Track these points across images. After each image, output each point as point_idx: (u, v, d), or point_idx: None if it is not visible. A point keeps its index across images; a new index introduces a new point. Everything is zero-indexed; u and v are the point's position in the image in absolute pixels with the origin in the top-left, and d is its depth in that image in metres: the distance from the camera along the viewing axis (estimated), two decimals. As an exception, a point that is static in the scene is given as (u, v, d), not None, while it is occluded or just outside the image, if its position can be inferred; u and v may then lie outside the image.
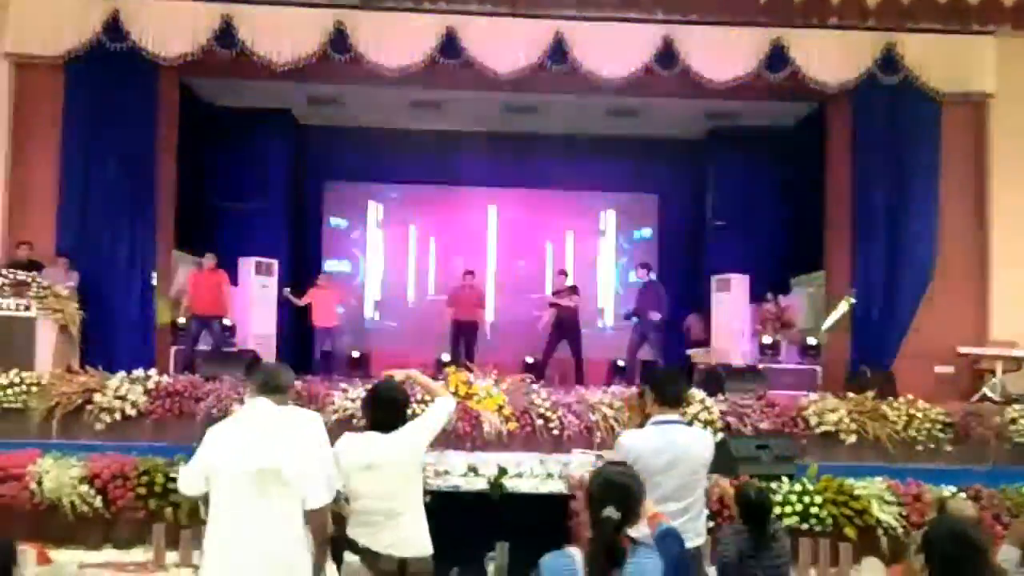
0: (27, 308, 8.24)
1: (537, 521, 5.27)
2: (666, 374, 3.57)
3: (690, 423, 7.00)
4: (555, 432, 7.31)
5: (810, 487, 6.01)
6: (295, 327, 11.76)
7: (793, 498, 5.92)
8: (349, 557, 3.20)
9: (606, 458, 3.38)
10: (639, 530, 2.36)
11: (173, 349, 9.76)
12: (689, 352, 11.17)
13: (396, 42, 9.18)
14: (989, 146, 9.65)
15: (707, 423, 7.34)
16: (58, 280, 8.59)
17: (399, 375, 3.51)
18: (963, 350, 9.17)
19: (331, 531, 3.07)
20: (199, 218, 11.31)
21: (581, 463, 3.53)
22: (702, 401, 7.61)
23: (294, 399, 3.44)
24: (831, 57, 9.35)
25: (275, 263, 10.92)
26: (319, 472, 2.96)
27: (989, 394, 8.80)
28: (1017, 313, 9.27)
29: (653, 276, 10.73)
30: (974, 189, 9.68)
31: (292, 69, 9.21)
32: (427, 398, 6.88)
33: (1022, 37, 9.53)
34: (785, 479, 6.09)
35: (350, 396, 7.42)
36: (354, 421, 7.04)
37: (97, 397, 7.29)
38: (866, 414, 7.69)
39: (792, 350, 10.15)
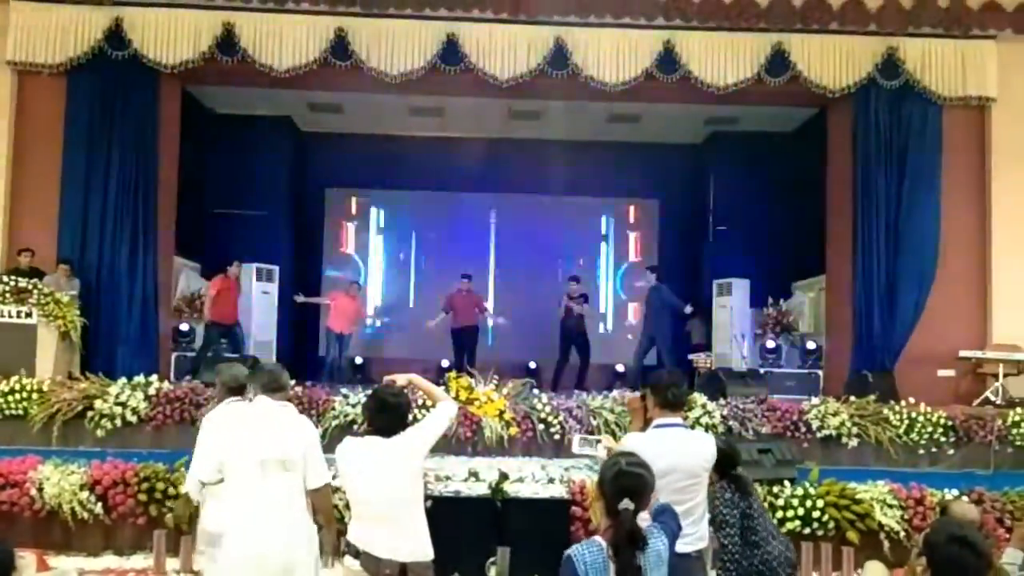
0: (28, 315, 8.25)
1: (538, 526, 5.26)
2: (667, 378, 3.55)
3: (692, 427, 7.01)
4: (556, 437, 7.30)
5: (812, 491, 5.99)
6: (294, 333, 11.78)
7: (795, 502, 5.91)
8: (349, 561, 3.20)
9: (605, 444, 3.36)
10: (640, 514, 2.48)
11: (173, 355, 9.76)
12: (691, 356, 11.16)
13: (397, 49, 9.20)
14: (990, 150, 9.65)
15: (709, 427, 7.33)
16: (59, 287, 8.60)
17: (401, 380, 3.50)
18: (965, 354, 9.15)
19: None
20: (200, 225, 11.33)
21: (581, 448, 3.49)
22: (703, 405, 7.60)
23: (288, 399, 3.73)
24: (832, 61, 9.36)
25: (276, 269, 10.95)
26: (318, 458, 3.42)
27: (991, 398, 8.79)
28: (1019, 316, 9.26)
29: (656, 280, 10.62)
30: (975, 193, 9.68)
31: (293, 76, 9.24)
32: (429, 403, 6.89)
33: (1023, 41, 9.55)
34: (787, 483, 6.08)
35: (351, 402, 7.42)
36: (355, 427, 7.03)
37: (98, 404, 7.28)
38: (868, 418, 7.67)
39: (794, 354, 10.14)
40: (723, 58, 9.30)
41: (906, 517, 5.88)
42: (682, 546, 3.18)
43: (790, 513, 5.87)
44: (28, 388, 7.47)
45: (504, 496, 5.63)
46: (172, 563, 5.56)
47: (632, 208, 13.24)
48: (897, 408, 7.79)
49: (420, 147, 12.31)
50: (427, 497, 5.41)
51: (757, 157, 11.84)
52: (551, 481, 5.97)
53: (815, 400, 8.01)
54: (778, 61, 9.30)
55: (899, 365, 9.25)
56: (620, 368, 11.93)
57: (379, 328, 12.99)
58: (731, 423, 7.49)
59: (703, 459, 3.39)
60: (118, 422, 7.22)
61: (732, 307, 10.48)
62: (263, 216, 11.73)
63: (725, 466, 3.67)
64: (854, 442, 7.56)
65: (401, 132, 12.26)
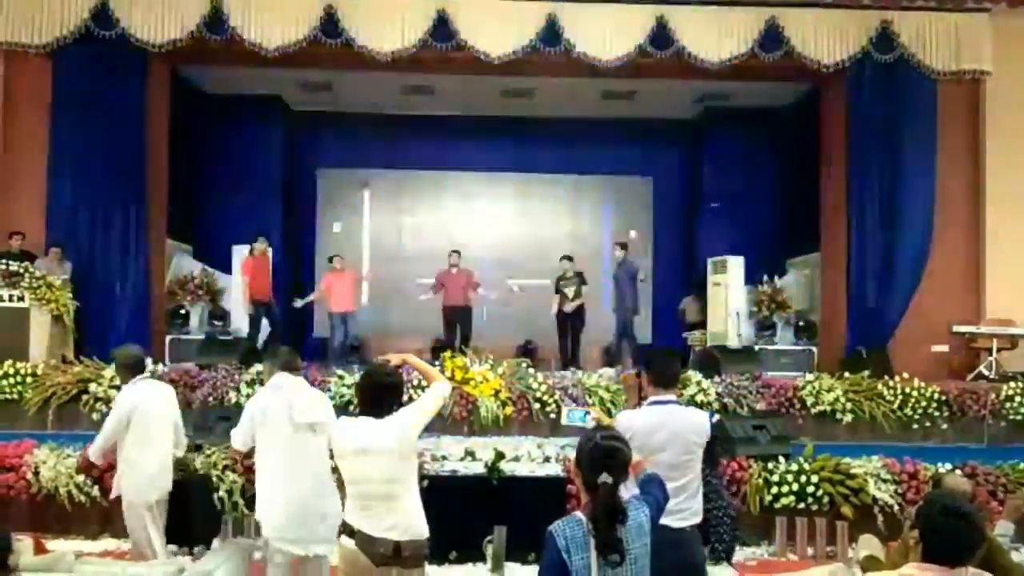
0: (20, 299, 8.21)
1: (535, 504, 5.28)
2: (661, 355, 3.57)
3: (688, 404, 7.04)
4: (552, 416, 7.32)
5: (807, 466, 6.03)
6: (289, 315, 11.75)
7: (790, 477, 5.95)
8: (345, 541, 3.21)
9: (593, 416, 3.37)
10: (625, 485, 2.51)
11: (168, 338, 9.73)
12: (685, 335, 11.18)
13: (387, 26, 9.08)
14: (984, 124, 9.64)
15: (704, 405, 7.36)
16: (51, 270, 8.56)
17: (395, 360, 3.49)
18: (958, 329, 9.20)
19: None
20: (192, 206, 11.26)
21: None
22: (699, 383, 7.63)
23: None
24: (826, 36, 9.29)
25: (269, 251, 10.86)
26: (334, 422, 3.73)
27: (985, 372, 8.84)
28: (1012, 291, 9.30)
29: (628, 256, 10.30)
30: (970, 167, 9.69)
31: (283, 55, 9.12)
32: (424, 383, 6.89)
33: (1017, 14, 9.50)
34: (782, 459, 6.11)
35: (346, 383, 7.42)
36: (351, 408, 7.04)
37: (92, 387, 7.28)
38: (862, 393, 7.72)
39: (788, 331, 10.16)
40: (716, 33, 9.21)
41: (900, 491, 5.93)
42: (677, 521, 3.22)
43: (784, 489, 5.91)
44: (22, 372, 7.47)
45: (500, 475, 5.66)
46: (171, 545, 5.57)
47: (625, 186, 13.18)
48: (891, 383, 7.84)
49: (412, 126, 12.22)
50: (423, 477, 5.45)
51: (751, 133, 11.80)
52: (547, 459, 6.00)
53: (809, 376, 8.04)
54: (772, 36, 9.22)
55: (893, 341, 9.28)
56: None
57: (374, 308, 12.95)
58: (726, 400, 7.53)
59: (696, 435, 3.40)
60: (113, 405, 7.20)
61: (726, 285, 10.47)
62: (256, 197, 11.64)
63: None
64: (848, 418, 7.61)
65: (393, 111, 12.16)
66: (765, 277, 10.36)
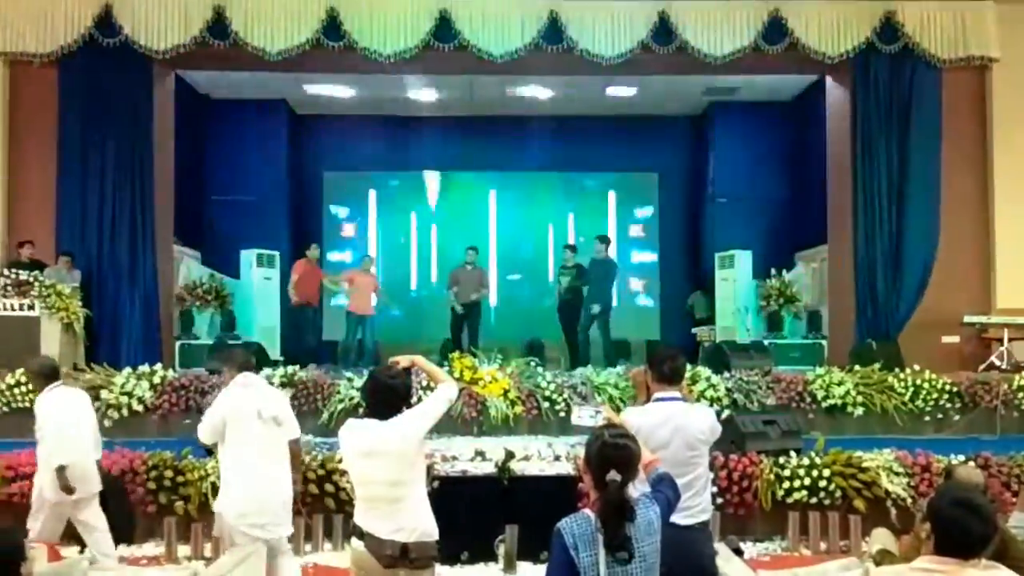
0: (31, 308, 8.24)
1: (545, 503, 5.27)
2: (663, 351, 3.55)
3: (697, 400, 7.02)
4: (561, 415, 7.30)
5: (818, 460, 6.00)
6: (298, 318, 11.78)
7: (801, 472, 5.91)
8: (355, 543, 3.20)
9: (604, 415, 3.36)
10: (634, 484, 2.50)
11: (177, 344, 9.77)
12: (694, 330, 11.16)
13: (389, 28, 9.11)
14: (991, 112, 9.56)
15: (713, 400, 7.34)
16: (61, 279, 8.59)
17: (404, 362, 3.49)
18: (969, 319, 9.13)
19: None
20: (199, 211, 11.30)
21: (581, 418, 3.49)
22: (708, 379, 7.60)
23: None
24: (830, 27, 9.25)
25: (276, 254, 10.91)
26: (293, 416, 4.45)
27: (996, 362, 8.78)
28: (1023, 280, 9.22)
29: (610, 254, 10.11)
30: (977, 156, 9.61)
31: (286, 59, 9.16)
32: (432, 384, 6.90)
33: (1022, 2, 9.42)
34: (793, 454, 6.08)
35: (355, 385, 7.42)
36: (360, 410, 7.04)
37: (104, 394, 7.31)
38: (872, 386, 7.68)
39: (797, 325, 10.12)
40: (719, 27, 9.19)
41: (912, 484, 5.88)
42: (684, 518, 3.20)
43: (796, 483, 5.88)
44: (33, 380, 7.49)
45: (511, 474, 5.65)
46: (183, 550, 5.61)
47: (631, 182, 13.15)
48: (902, 376, 7.79)
49: (416, 127, 12.24)
50: (434, 477, 5.46)
51: (757, 127, 11.77)
52: (557, 458, 5.99)
53: (819, 370, 8.00)
54: (775, 28, 9.19)
55: (903, 333, 9.23)
56: (629, 342, 11.93)
57: (381, 310, 12.96)
58: (736, 396, 7.50)
59: (701, 431, 3.39)
60: (125, 412, 7.25)
61: (734, 279, 10.44)
62: (262, 201, 11.69)
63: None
64: (859, 411, 7.57)
65: (396, 112, 12.17)
66: (773, 271, 10.33)
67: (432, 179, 12.90)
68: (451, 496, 5.13)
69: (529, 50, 9.20)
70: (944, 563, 2.34)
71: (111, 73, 9.21)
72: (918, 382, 7.70)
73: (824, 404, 7.59)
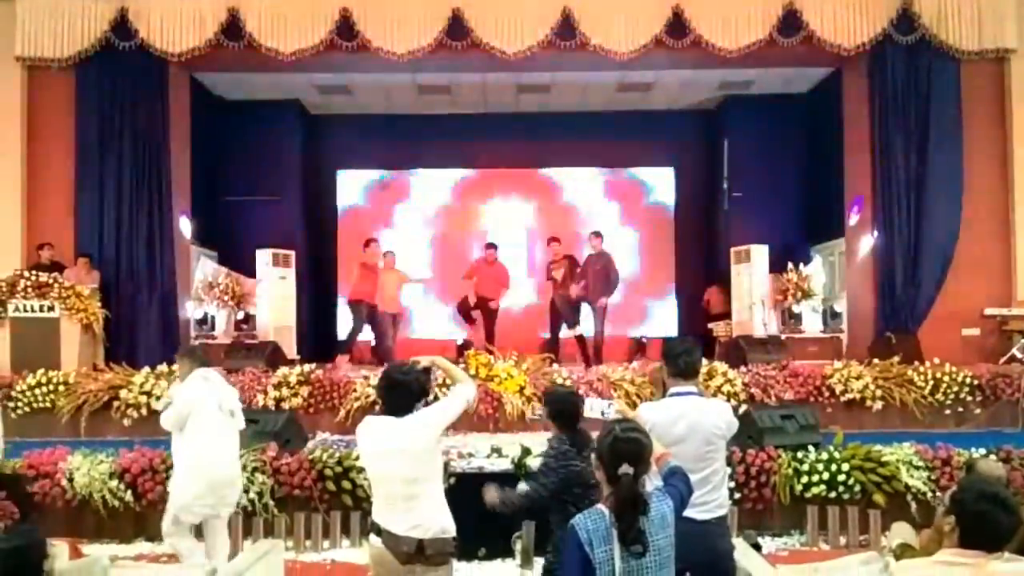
0: (51, 309, 8.34)
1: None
2: (678, 346, 3.52)
3: (714, 395, 6.99)
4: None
5: (837, 455, 5.95)
6: (314, 317, 11.84)
7: (820, 467, 5.87)
8: (373, 539, 3.22)
9: (617, 409, 3.36)
10: (649, 478, 2.53)
11: (195, 343, 9.82)
12: (710, 326, 11.10)
13: (402, 27, 9.13)
14: (1010, 103, 9.45)
15: (730, 395, 7.30)
16: (80, 280, 8.70)
17: (424, 361, 3.49)
18: (989, 312, 9.04)
19: None
20: (216, 212, 11.37)
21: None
22: (724, 374, 7.57)
23: None
24: (846, 18, 9.17)
25: (292, 254, 10.96)
26: (241, 409, 4.88)
27: (1017, 355, 8.68)
28: (1044, 272, 9.12)
29: (604, 247, 9.89)
30: (996, 147, 9.50)
31: (300, 59, 9.20)
32: (450, 383, 6.92)
33: (1042, -10, 9.31)
34: (811, 448, 6.04)
35: (372, 383, 7.45)
36: (376, 408, 7.06)
37: (123, 394, 7.39)
38: (892, 380, 7.61)
39: (815, 319, 10.04)
40: (734, 20, 9.13)
41: (933, 478, 5.82)
42: (701, 513, 3.18)
43: (815, 478, 5.84)
44: (54, 381, 7.59)
45: (527, 471, 5.64)
46: (202, 545, 5.65)
47: (646, 177, 13.10)
48: (921, 369, 7.71)
49: (429, 125, 12.25)
50: (451, 474, 5.47)
51: (773, 120, 11.67)
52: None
53: (838, 364, 7.94)
54: (790, 20, 9.13)
55: (923, 326, 9.16)
56: (643, 339, 11.90)
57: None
58: (753, 390, 7.46)
59: (717, 426, 3.36)
60: (144, 411, 7.32)
61: (751, 274, 10.37)
62: (277, 201, 11.75)
63: (565, 418, 3.68)
64: (878, 405, 7.51)
65: (410, 111, 12.20)
66: (790, 265, 10.26)
67: (446, 177, 12.90)
68: (468, 493, 5.11)
69: (542, 47, 9.19)
70: (969, 556, 2.32)
71: (127, 77, 9.32)
72: (938, 375, 7.63)
73: (843, 398, 7.53)
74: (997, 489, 2.42)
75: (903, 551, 3.51)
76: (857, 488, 5.83)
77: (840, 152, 10.35)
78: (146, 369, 7.68)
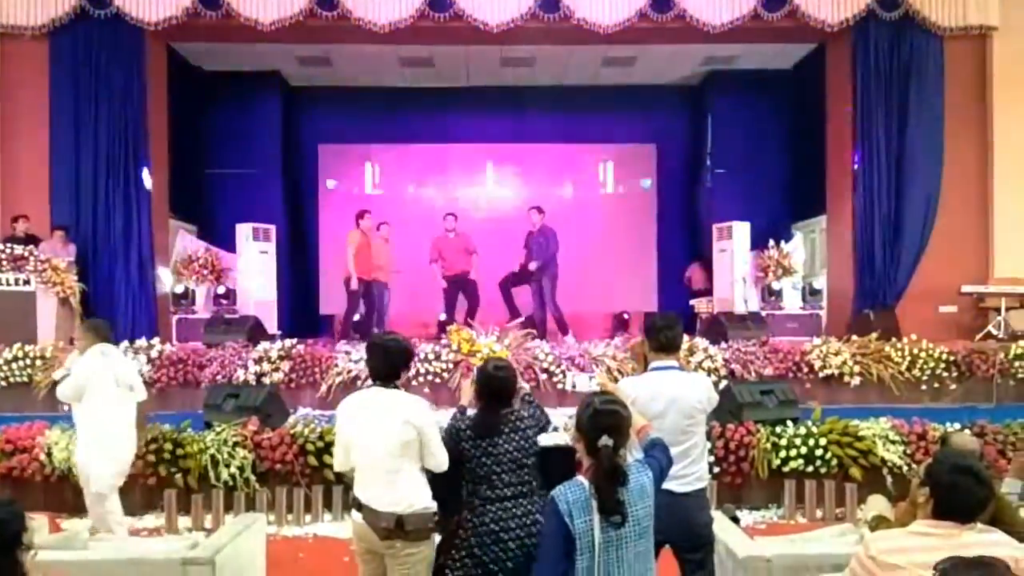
0: (26, 282, 8.22)
1: (543, 474, 5.28)
2: (659, 321, 3.54)
3: (695, 370, 7.04)
4: (560, 386, 7.33)
5: (814, 430, 6.03)
6: (296, 292, 11.77)
7: (798, 441, 5.95)
8: (355, 515, 3.23)
9: (598, 381, 3.37)
10: (630, 451, 2.58)
11: (174, 318, 9.76)
12: (692, 302, 11.16)
13: (384, -3, 8.99)
14: (991, 81, 9.49)
15: (710, 371, 7.36)
16: (56, 253, 8.57)
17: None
18: (967, 289, 9.15)
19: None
20: (194, 185, 11.23)
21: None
22: (705, 349, 7.62)
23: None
24: (829, -6, 9.15)
25: (272, 228, 10.87)
26: (141, 381, 5.11)
27: (993, 332, 8.80)
28: (1021, 250, 9.23)
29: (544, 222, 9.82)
30: (976, 125, 9.56)
31: (279, 29, 9.05)
32: (432, 356, 6.91)
33: (1024, -33, 9.32)
34: (790, 423, 6.11)
35: (353, 358, 7.44)
36: (358, 383, 7.06)
37: (101, 368, 7.30)
38: (870, 356, 7.70)
39: (795, 296, 10.12)
40: (719, -5, 9.08)
41: (908, 452, 5.92)
42: (680, 486, 3.22)
43: (793, 452, 5.91)
44: (31, 355, 7.50)
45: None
46: (184, 521, 5.66)
47: (629, 153, 13.07)
48: (899, 345, 7.81)
49: (411, 99, 12.12)
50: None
51: (756, 96, 11.65)
52: (555, 429, 5.99)
53: (817, 340, 8.02)
54: (775, -4, 9.09)
55: (901, 303, 9.26)
56: (624, 315, 11.95)
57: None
58: (733, 366, 7.52)
59: (698, 400, 3.39)
60: (122, 386, 7.24)
61: (732, 251, 10.42)
62: (257, 174, 11.60)
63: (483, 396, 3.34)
64: (856, 381, 7.60)
65: (391, 84, 12.06)
66: (771, 242, 10.31)
67: (427, 152, 12.79)
68: (451, 467, 5.14)
69: (525, 19, 9.10)
70: (942, 526, 2.36)
71: (102, 46, 9.13)
72: (915, 351, 7.73)
73: (821, 374, 7.62)
74: (971, 461, 2.46)
75: (878, 523, 3.56)
76: (834, 462, 5.92)
77: (823, 129, 10.37)
78: (124, 343, 7.60)
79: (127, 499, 5.85)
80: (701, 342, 7.77)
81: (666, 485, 2.80)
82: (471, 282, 10.04)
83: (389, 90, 12.13)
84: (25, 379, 7.42)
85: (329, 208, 12.71)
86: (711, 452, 5.69)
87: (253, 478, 5.83)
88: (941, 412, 6.73)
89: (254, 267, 10.48)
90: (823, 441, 5.95)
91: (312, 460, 5.86)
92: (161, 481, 5.83)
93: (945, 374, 7.68)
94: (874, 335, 8.01)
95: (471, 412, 3.40)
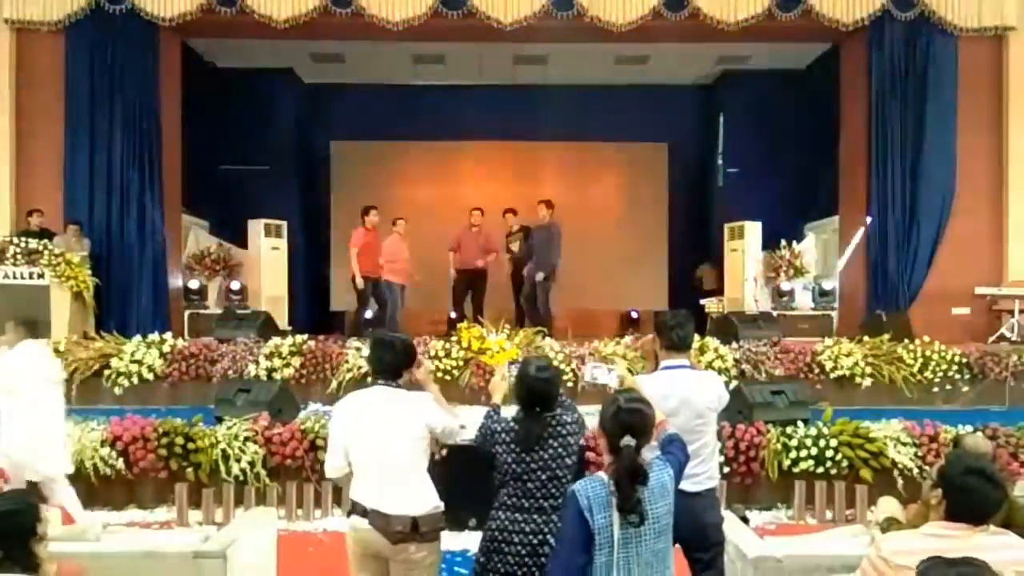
0: (40, 276, 8.28)
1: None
2: (670, 319, 3.53)
3: (706, 370, 7.01)
4: (569, 384, 7.31)
5: (825, 431, 6.00)
6: (307, 288, 11.81)
7: (808, 442, 5.93)
8: (357, 522, 3.10)
9: (618, 374, 3.35)
10: (650, 447, 2.56)
11: (187, 313, 9.81)
12: (702, 302, 11.13)
13: (397, -6, 9.00)
14: (1007, 82, 9.41)
15: (721, 371, 7.33)
16: (70, 247, 8.62)
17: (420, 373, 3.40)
18: (980, 291, 9.09)
19: None
20: (207, 181, 11.27)
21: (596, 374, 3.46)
22: (716, 349, 7.59)
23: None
24: (844, -6, 9.10)
25: (284, 224, 10.90)
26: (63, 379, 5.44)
27: (1007, 334, 8.74)
28: (1035, 252, 9.16)
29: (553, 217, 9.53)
30: (992, 126, 9.48)
31: (294, 26, 9.07)
32: (430, 354, 6.91)
33: (1042, -33, 9.24)
34: (800, 424, 6.09)
35: (364, 355, 7.45)
36: (369, 380, 7.06)
37: (114, 362, 7.37)
38: (882, 357, 7.65)
39: (807, 296, 10.08)
40: (732, -7, 9.04)
41: (920, 454, 5.89)
42: (691, 485, 3.21)
43: (803, 453, 5.89)
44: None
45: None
46: (195, 515, 5.69)
47: (641, 152, 13.04)
48: (911, 347, 7.76)
49: (424, 96, 12.15)
50: (443, 445, 5.49)
51: (769, 96, 11.60)
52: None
53: (828, 341, 7.98)
54: (789, -5, 9.04)
55: (914, 304, 9.20)
56: (634, 314, 11.91)
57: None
58: (744, 366, 7.49)
59: (709, 399, 3.39)
60: (135, 380, 7.30)
61: (743, 250, 10.38)
62: (270, 171, 11.65)
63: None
64: (868, 382, 7.55)
65: (404, 81, 12.08)
66: (783, 242, 10.27)
67: (439, 149, 12.80)
68: (459, 464, 5.14)
69: (538, 17, 9.08)
70: (955, 528, 2.35)
71: (118, 41, 9.18)
72: (927, 353, 7.67)
73: (832, 375, 7.57)
74: (983, 464, 2.45)
75: (890, 524, 3.55)
76: (845, 463, 5.90)
77: (836, 129, 10.32)
78: (137, 338, 7.65)
79: (139, 492, 5.96)
80: (712, 342, 7.74)
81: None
82: (482, 280, 9.97)
83: (402, 87, 12.16)
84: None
85: (341, 204, 12.75)
86: (721, 452, 5.67)
87: (264, 473, 5.86)
88: (953, 414, 6.68)
89: (266, 263, 10.51)
90: (834, 442, 5.92)
91: (322, 455, 5.84)
92: (172, 475, 5.86)
93: (957, 376, 7.62)
94: (886, 336, 7.96)
95: (506, 412, 3.25)
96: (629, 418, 2.48)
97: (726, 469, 5.77)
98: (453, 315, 9.89)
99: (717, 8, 9.06)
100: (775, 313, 9.41)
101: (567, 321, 10.12)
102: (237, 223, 10.67)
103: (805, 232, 11.13)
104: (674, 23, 9.20)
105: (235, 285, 10.12)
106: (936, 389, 7.60)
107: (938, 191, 9.33)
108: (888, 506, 4.05)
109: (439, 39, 10.08)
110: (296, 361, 7.52)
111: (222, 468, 5.82)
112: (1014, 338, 8.61)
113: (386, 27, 9.06)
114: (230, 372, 7.40)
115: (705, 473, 3.33)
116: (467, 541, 5.21)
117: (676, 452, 2.71)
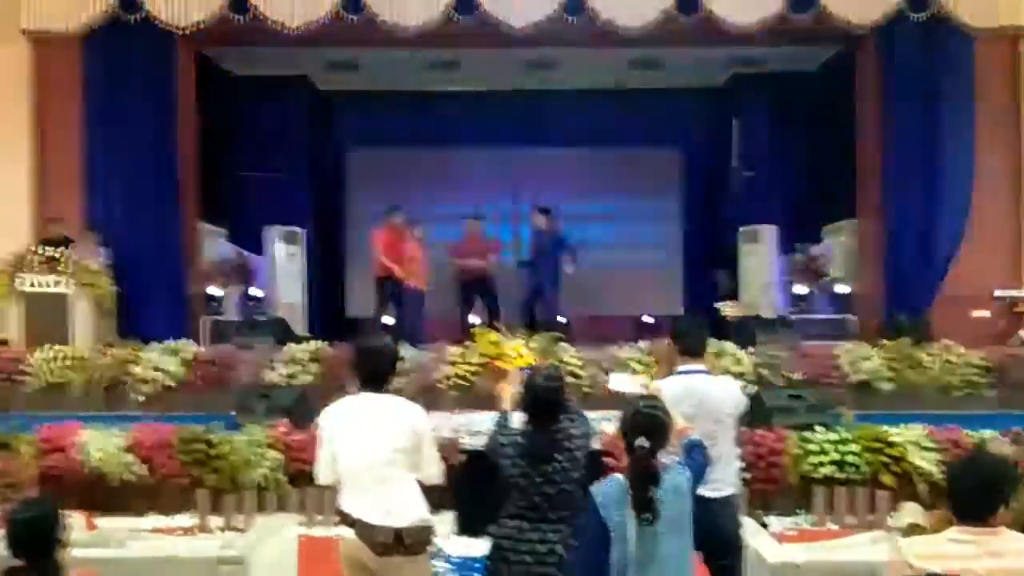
0: (58, 283, 8.34)
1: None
2: (687, 324, 3.57)
3: (723, 375, 6.98)
4: (586, 390, 7.30)
5: (845, 436, 5.96)
6: (323, 295, 11.85)
7: (829, 447, 5.89)
8: (345, 532, 3.08)
9: (642, 383, 3.41)
10: (666, 452, 2.70)
11: (207, 320, 9.87)
12: (718, 306, 11.08)
13: (410, 1, 9.03)
14: (1024, 83, 9.34)
15: (739, 375, 7.29)
16: (89, 255, 8.69)
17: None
18: (1000, 293, 9.00)
19: None
20: (223, 188, 11.35)
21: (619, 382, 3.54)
22: (733, 354, 7.56)
23: None
24: (858, -5, 9.05)
25: (300, 232, 10.95)
26: None
27: (1023, 336, 8.64)
28: (1055, 254, 9.07)
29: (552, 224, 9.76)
30: (1010, 128, 9.40)
31: (307, 34, 9.12)
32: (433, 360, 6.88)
33: (1059, -34, 9.16)
34: (820, 428, 6.05)
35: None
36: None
37: (135, 369, 7.44)
38: (901, 361, 7.59)
39: (825, 300, 10.02)
40: (745, -4, 9.01)
41: (942, 459, 5.82)
42: (710, 491, 3.21)
43: (824, 458, 5.85)
44: (68, 356, 7.63)
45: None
46: (216, 521, 5.72)
47: (654, 156, 13.01)
48: (932, 351, 7.69)
49: (437, 103, 12.17)
50: (460, 451, 5.50)
51: (783, 99, 11.55)
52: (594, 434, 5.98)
53: (847, 345, 7.92)
54: (802, -3, 9.01)
55: (933, 307, 9.10)
56: (648, 319, 11.87)
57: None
58: (762, 371, 7.45)
59: (726, 404, 3.39)
60: (156, 387, 7.35)
61: (760, 255, 10.34)
62: (285, 178, 11.70)
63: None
64: (888, 386, 7.49)
65: (418, 88, 12.12)
66: (799, 245, 10.21)
67: (454, 155, 12.82)
68: (477, 470, 5.16)
69: (551, 22, 9.09)
70: (970, 532, 2.33)
71: (134, 50, 9.25)
72: (948, 357, 7.60)
73: (852, 379, 7.52)
74: (980, 455, 2.48)
75: (912, 530, 3.52)
76: (866, 469, 5.85)
77: (851, 132, 10.25)
78: (158, 346, 7.71)
79: (161, 499, 6.01)
80: (729, 346, 7.70)
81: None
82: (490, 283, 9.96)
83: (415, 94, 12.19)
84: (62, 379, 7.55)
85: (356, 210, 12.79)
86: (740, 458, 5.64)
87: (284, 479, 5.89)
88: (976, 419, 6.62)
89: (282, 270, 10.57)
90: (854, 447, 5.88)
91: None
92: (194, 481, 5.90)
93: (980, 380, 7.55)
94: (906, 340, 7.89)
95: (514, 422, 3.28)
96: (643, 421, 2.64)
97: (745, 475, 5.70)
98: (473, 319, 9.82)
99: (730, 11, 9.02)
100: (793, 317, 9.36)
101: (581, 326, 10.08)
102: (253, 230, 10.73)
103: (822, 235, 11.06)
104: (686, 26, 9.18)
105: (254, 292, 10.18)
106: (957, 393, 7.53)
107: (956, 193, 9.23)
108: (910, 512, 4.02)
109: (452, 45, 10.10)
110: (314, 367, 7.56)
111: (243, 474, 5.85)
112: (1034, 340, 8.52)
113: (399, 34, 9.09)
114: (250, 379, 7.44)
115: (723, 479, 3.32)
116: (485, 547, 5.23)
117: (697, 457, 2.83)
